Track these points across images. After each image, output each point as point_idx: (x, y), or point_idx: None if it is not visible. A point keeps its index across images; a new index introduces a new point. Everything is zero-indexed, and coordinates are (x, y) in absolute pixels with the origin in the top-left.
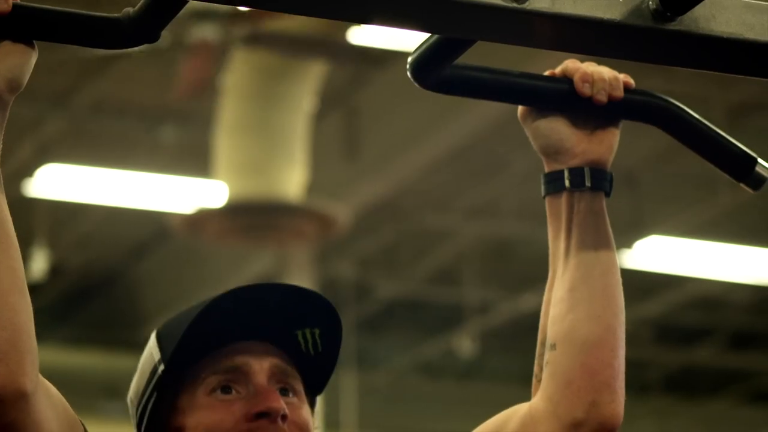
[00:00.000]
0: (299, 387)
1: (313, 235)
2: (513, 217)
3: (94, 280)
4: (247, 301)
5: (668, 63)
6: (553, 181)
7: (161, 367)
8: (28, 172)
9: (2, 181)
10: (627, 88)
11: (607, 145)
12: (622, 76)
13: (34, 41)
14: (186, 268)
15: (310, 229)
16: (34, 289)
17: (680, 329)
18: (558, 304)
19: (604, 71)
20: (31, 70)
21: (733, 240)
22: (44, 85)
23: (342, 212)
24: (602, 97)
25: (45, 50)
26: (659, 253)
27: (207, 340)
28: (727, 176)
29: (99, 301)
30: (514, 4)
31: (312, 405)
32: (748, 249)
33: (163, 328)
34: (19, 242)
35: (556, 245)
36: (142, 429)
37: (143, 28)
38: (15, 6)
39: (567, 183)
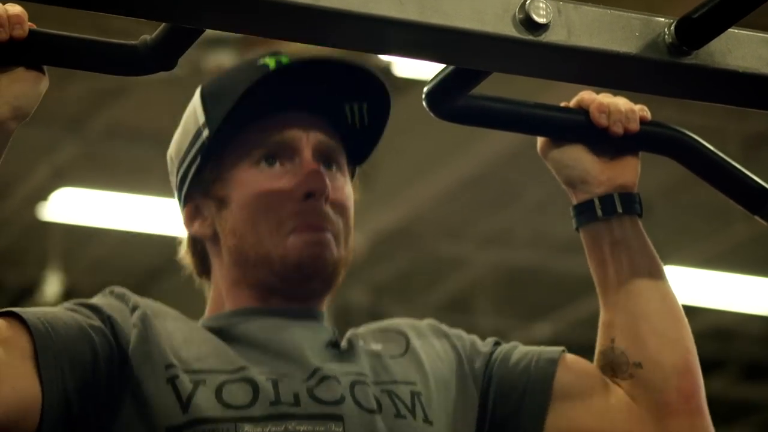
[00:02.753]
0: (342, 160)
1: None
2: (526, 246)
3: None
4: (299, 72)
5: (684, 97)
6: (585, 212)
7: (205, 133)
8: (43, 196)
9: None
10: (643, 120)
11: (631, 168)
12: (638, 108)
13: (45, 70)
14: (200, 294)
15: None
16: None
17: None
18: (632, 332)
19: (620, 103)
20: (39, 100)
21: (747, 271)
22: (59, 110)
23: (356, 239)
24: (618, 129)
25: (61, 75)
26: (673, 284)
27: (255, 110)
28: (741, 207)
29: None
30: (530, 37)
31: (352, 175)
32: (763, 280)
33: (208, 89)
34: (33, 266)
35: (604, 274)
36: (183, 191)
37: (160, 56)
38: (32, 32)
39: (599, 212)
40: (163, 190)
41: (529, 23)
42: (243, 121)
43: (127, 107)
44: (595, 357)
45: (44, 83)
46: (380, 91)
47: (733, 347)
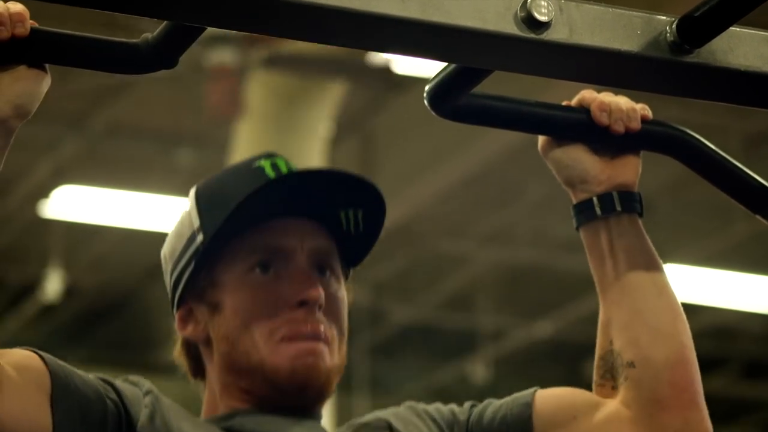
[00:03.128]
0: (336, 265)
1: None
2: (527, 244)
3: (109, 301)
4: (294, 181)
5: (686, 95)
6: (584, 211)
7: (200, 237)
8: (44, 193)
9: None
10: (644, 119)
11: (632, 167)
12: (639, 107)
13: (47, 68)
14: None
15: None
16: (49, 310)
17: None
18: (626, 330)
19: (621, 101)
20: (41, 98)
21: (748, 269)
22: (61, 107)
23: None
24: (619, 127)
25: (62, 72)
26: (674, 282)
27: (250, 215)
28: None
29: (113, 322)
30: (532, 35)
31: (347, 278)
32: (763, 278)
33: (203, 192)
34: (34, 263)
35: (603, 272)
36: (177, 295)
37: (161, 54)
38: (33, 30)
39: (598, 210)
40: (163, 187)
41: (530, 21)
42: (238, 227)
43: (128, 104)
44: (595, 364)
45: (46, 82)
46: (376, 199)
47: (734, 345)
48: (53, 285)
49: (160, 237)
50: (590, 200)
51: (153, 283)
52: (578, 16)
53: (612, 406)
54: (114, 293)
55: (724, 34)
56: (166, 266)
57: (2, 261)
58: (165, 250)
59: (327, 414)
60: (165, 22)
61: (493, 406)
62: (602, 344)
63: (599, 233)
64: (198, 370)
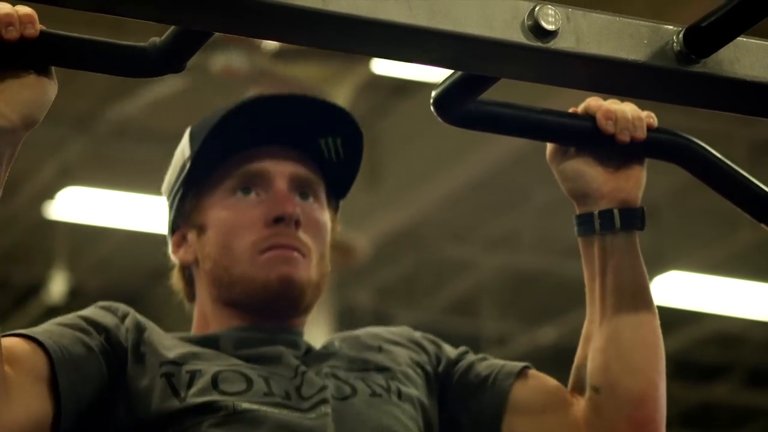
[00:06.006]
0: (320, 192)
1: (332, 264)
2: (532, 250)
3: None
4: (273, 106)
5: (692, 104)
6: (584, 224)
7: (189, 164)
8: (50, 194)
9: None
10: (649, 127)
11: (635, 180)
12: (645, 115)
13: (54, 76)
14: None
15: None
16: (53, 311)
17: (698, 365)
18: (600, 354)
19: (628, 110)
20: (49, 106)
21: (753, 277)
22: (67, 108)
23: (361, 241)
24: (625, 137)
25: (68, 74)
26: (679, 289)
27: (232, 141)
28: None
29: None
30: (539, 43)
31: (336, 209)
32: None
33: (196, 126)
34: (39, 264)
35: (593, 287)
36: (170, 221)
37: (169, 58)
38: (42, 33)
39: (597, 226)
40: None
41: (537, 30)
42: (223, 154)
43: (135, 106)
44: (572, 369)
45: (53, 89)
46: (352, 126)
47: (738, 353)
48: (58, 286)
49: (165, 239)
50: (591, 215)
51: (158, 285)
52: (585, 25)
53: (577, 415)
54: (119, 295)
55: (730, 45)
56: (165, 199)
57: (7, 262)
58: (163, 186)
59: None
60: (173, 26)
61: (486, 363)
62: (580, 355)
63: (594, 248)
64: (192, 294)
